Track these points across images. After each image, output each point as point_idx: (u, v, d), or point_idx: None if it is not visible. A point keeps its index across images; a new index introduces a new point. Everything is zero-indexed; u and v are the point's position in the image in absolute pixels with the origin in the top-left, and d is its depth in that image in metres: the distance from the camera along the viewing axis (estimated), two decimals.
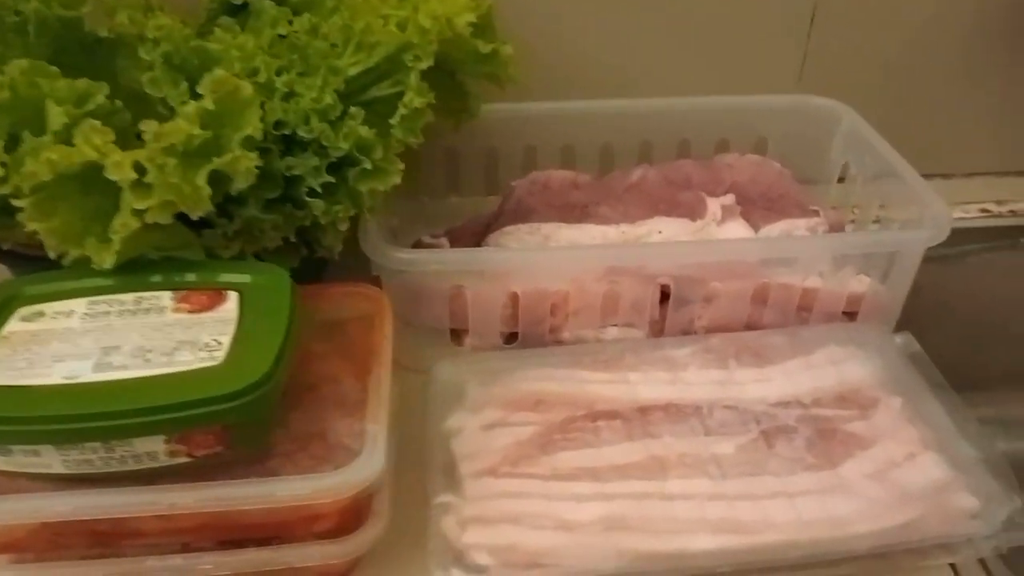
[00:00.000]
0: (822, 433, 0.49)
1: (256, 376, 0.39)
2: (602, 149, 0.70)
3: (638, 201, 0.64)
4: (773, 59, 0.74)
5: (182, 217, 0.45)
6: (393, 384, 0.47)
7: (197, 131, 0.43)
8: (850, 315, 0.59)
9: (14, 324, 0.44)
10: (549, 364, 0.54)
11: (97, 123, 0.43)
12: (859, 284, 0.59)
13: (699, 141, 0.71)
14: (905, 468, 0.47)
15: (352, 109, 0.48)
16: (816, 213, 0.64)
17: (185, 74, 0.49)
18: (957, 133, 0.79)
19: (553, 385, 0.52)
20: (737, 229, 0.62)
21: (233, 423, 0.40)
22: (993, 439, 0.48)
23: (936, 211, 0.56)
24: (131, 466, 0.40)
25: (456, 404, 0.51)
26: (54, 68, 0.46)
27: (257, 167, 0.45)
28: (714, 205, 0.62)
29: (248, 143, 0.44)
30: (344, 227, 0.50)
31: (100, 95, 0.46)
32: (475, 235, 0.64)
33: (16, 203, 0.43)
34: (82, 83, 0.46)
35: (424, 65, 0.50)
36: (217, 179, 0.44)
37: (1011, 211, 0.77)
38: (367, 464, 0.41)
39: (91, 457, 0.39)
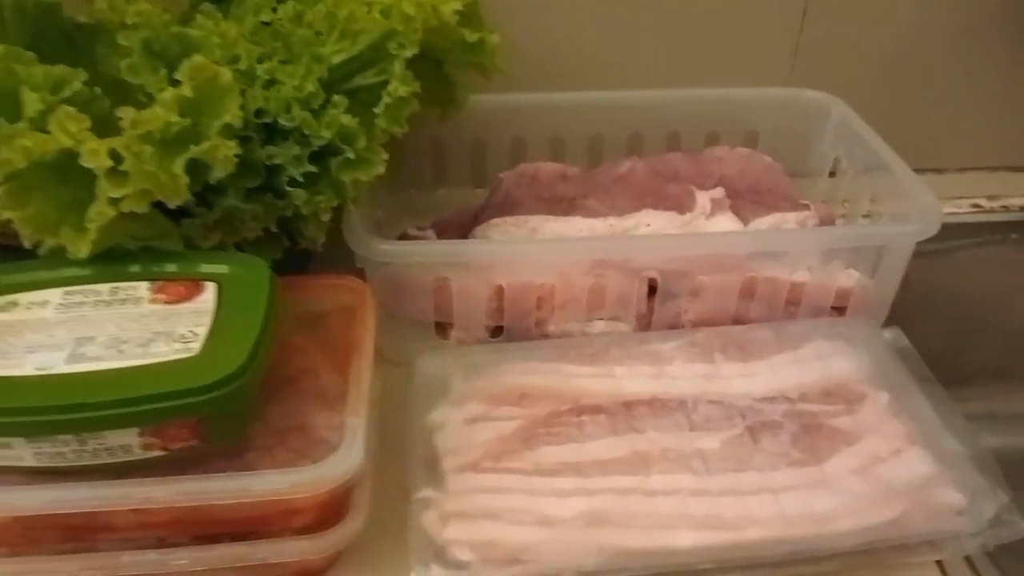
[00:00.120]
0: (807, 428, 0.48)
1: (231, 368, 0.39)
2: (591, 141, 0.70)
3: (626, 194, 0.64)
4: (764, 52, 0.73)
5: (161, 207, 0.44)
6: (376, 377, 0.47)
7: (175, 118, 0.43)
8: (839, 310, 0.59)
9: None
10: (534, 358, 0.53)
11: (72, 110, 0.42)
12: (848, 279, 0.58)
13: (689, 134, 0.70)
14: (891, 464, 0.46)
15: (335, 98, 0.48)
16: (806, 207, 0.64)
17: (165, 61, 0.48)
18: (950, 127, 0.79)
19: (538, 379, 0.51)
20: (726, 223, 0.61)
21: (208, 416, 0.39)
22: (980, 434, 0.48)
23: (926, 205, 0.56)
24: (104, 459, 0.39)
25: (440, 398, 0.51)
26: (30, 54, 0.45)
27: (237, 156, 0.44)
28: (703, 198, 0.62)
29: (227, 131, 0.44)
30: (327, 218, 0.50)
31: (77, 82, 0.45)
32: (462, 227, 0.63)
33: None
34: (59, 69, 0.45)
35: (409, 53, 0.49)
36: (196, 167, 0.44)
37: (1003, 206, 0.77)
38: (345, 458, 0.41)
39: (63, 450, 0.39)
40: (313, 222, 0.50)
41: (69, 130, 0.42)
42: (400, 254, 0.54)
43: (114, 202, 0.42)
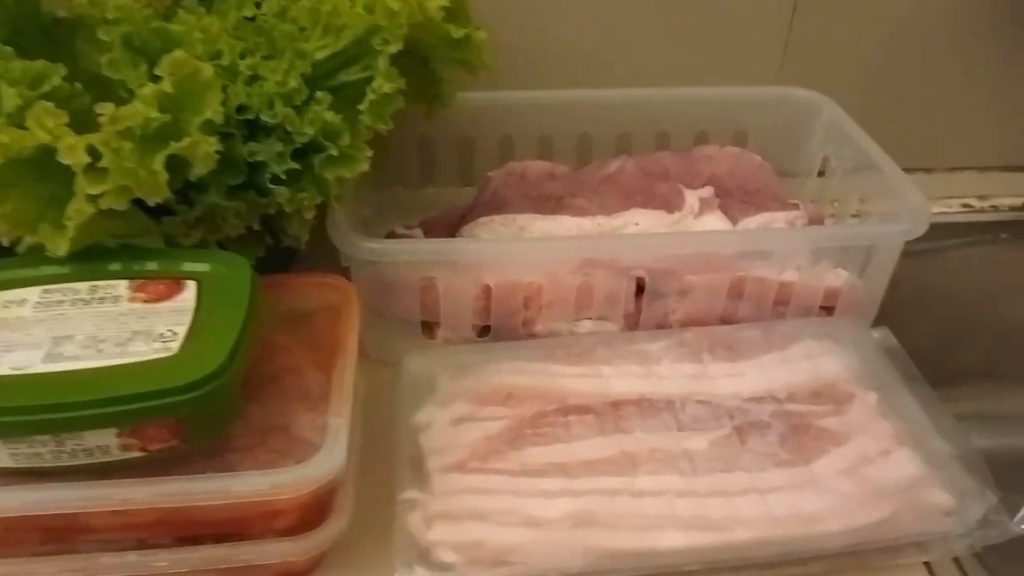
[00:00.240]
0: (795, 429, 0.48)
1: (211, 368, 0.38)
2: (580, 140, 0.69)
3: (615, 193, 0.63)
4: (754, 50, 0.73)
5: (141, 204, 0.44)
6: (362, 377, 0.46)
7: (155, 114, 0.42)
8: (827, 309, 0.58)
9: None
10: (521, 357, 0.53)
11: (50, 105, 0.42)
12: (836, 278, 0.58)
13: (678, 132, 0.70)
14: (879, 464, 0.46)
15: (318, 94, 0.47)
16: (795, 206, 0.63)
17: (146, 56, 0.47)
18: (940, 127, 0.78)
19: (525, 379, 0.51)
20: (715, 222, 0.61)
21: (187, 416, 0.38)
22: (969, 435, 0.47)
23: (915, 205, 0.56)
24: (82, 460, 0.39)
25: (426, 398, 0.50)
26: (9, 49, 0.45)
27: (218, 152, 0.43)
28: (692, 197, 0.61)
29: (208, 127, 0.43)
30: (310, 215, 0.49)
31: (56, 77, 0.44)
32: (450, 226, 0.63)
33: None
34: (37, 64, 0.44)
35: (393, 49, 0.48)
36: (176, 164, 0.43)
37: (992, 206, 0.77)
38: (327, 459, 0.40)
39: (40, 451, 0.38)
40: (296, 220, 0.49)
41: (47, 126, 0.41)
42: (387, 252, 0.53)
43: (93, 199, 0.41)
